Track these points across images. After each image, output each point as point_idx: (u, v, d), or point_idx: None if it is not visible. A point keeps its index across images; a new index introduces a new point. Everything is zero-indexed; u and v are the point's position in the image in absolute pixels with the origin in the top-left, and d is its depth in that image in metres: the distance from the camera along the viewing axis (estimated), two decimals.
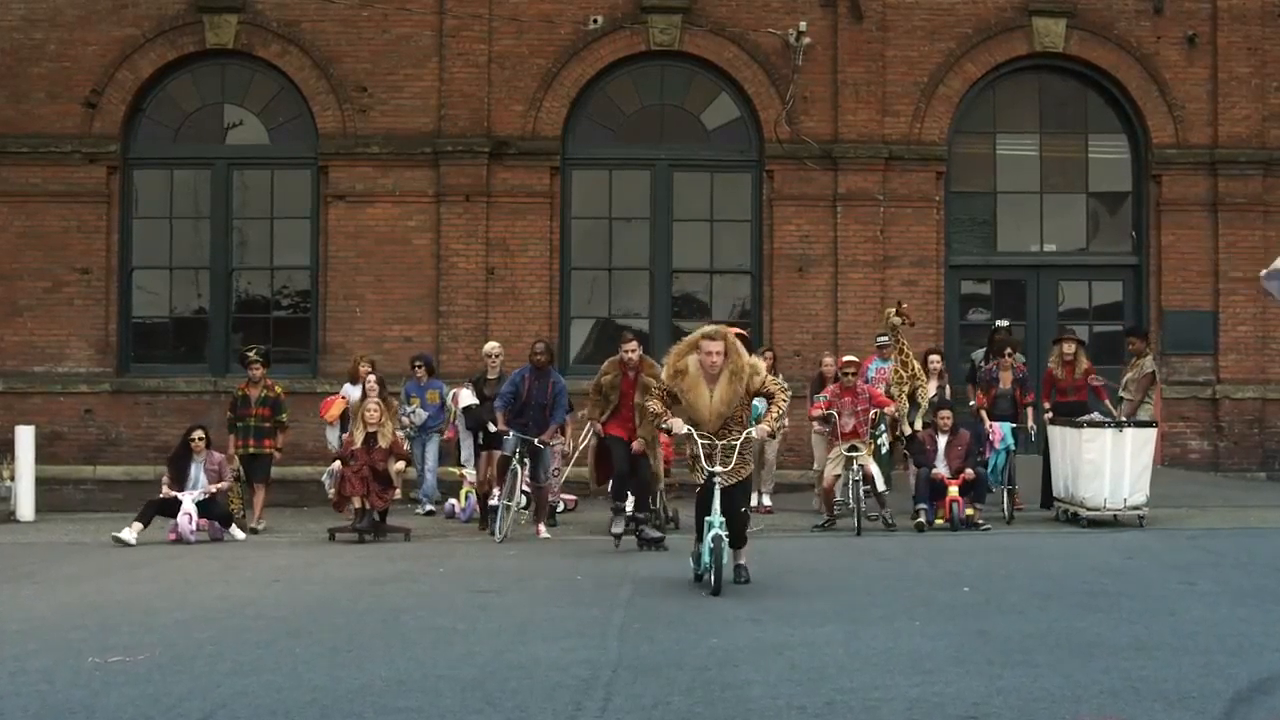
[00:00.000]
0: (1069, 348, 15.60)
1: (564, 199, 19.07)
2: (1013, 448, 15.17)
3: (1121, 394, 15.85)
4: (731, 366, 9.90)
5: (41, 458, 17.46)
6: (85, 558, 12.90)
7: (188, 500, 14.10)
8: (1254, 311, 18.97)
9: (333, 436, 15.57)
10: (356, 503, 13.90)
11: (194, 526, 13.94)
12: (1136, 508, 14.18)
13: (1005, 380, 15.57)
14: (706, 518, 9.83)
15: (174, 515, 14.04)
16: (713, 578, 9.66)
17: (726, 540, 9.75)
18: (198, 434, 14.53)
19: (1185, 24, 19.10)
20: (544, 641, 8.04)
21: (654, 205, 19.15)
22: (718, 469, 9.91)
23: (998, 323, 16.19)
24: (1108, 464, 14.10)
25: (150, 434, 18.66)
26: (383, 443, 14.06)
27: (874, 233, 18.85)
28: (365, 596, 10.08)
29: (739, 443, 10.01)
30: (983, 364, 16.13)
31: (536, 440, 13.66)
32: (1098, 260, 19.60)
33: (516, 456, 13.59)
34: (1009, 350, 15.79)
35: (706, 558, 9.82)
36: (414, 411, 16.06)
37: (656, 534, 12.79)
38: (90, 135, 18.88)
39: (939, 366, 16.11)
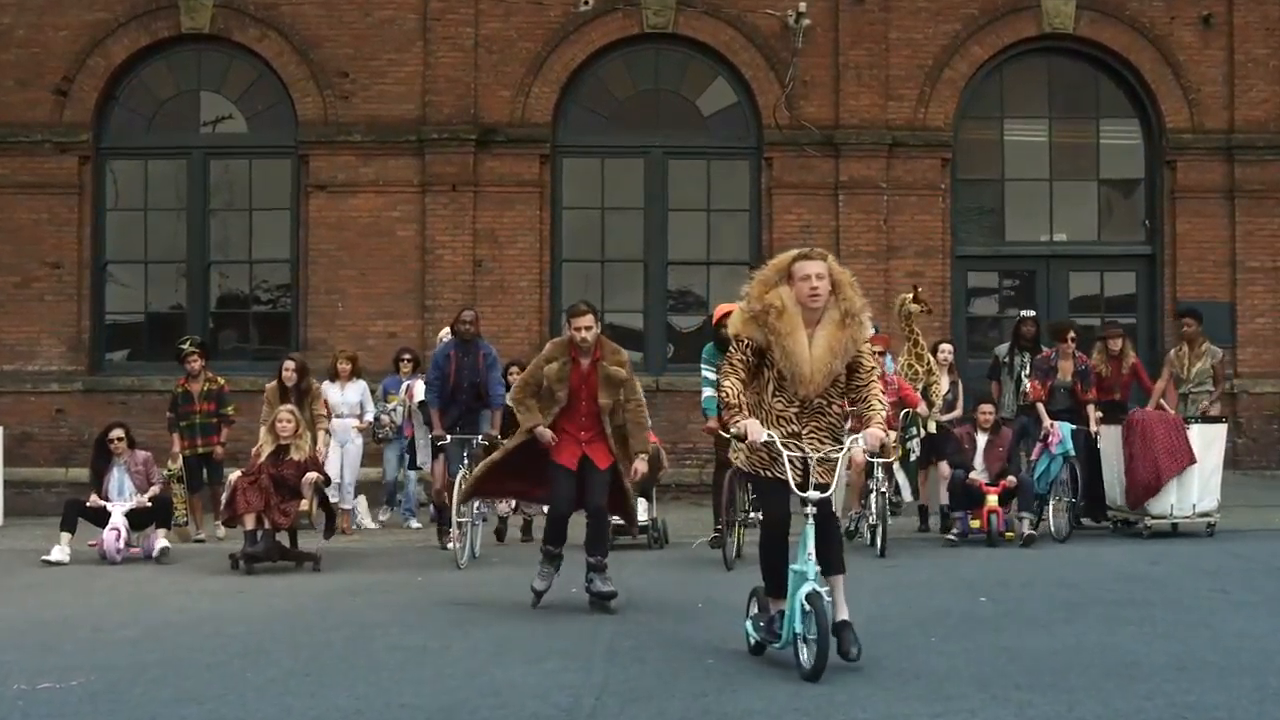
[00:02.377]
0: (1116, 344, 14.13)
1: (554, 188, 18.31)
2: (1072, 453, 13.07)
3: (1191, 389, 14.45)
4: (846, 305, 6.96)
5: (11, 460, 16.88)
6: (45, 566, 12.11)
7: (117, 513, 12.38)
8: (1273, 303, 18.23)
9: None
10: (249, 523, 11.37)
11: (121, 544, 12.17)
12: (1206, 514, 12.81)
13: (1065, 371, 13.56)
14: (793, 567, 6.91)
15: (102, 525, 12.34)
16: (810, 654, 6.65)
17: (830, 601, 6.76)
18: (116, 433, 12.86)
19: (1200, 4, 18.34)
20: (523, 663, 7.31)
21: (648, 194, 18.40)
22: (814, 494, 6.85)
23: (1022, 313, 14.70)
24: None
25: None
26: (296, 455, 11.83)
27: (877, 222, 18.11)
28: (335, 610, 9.35)
29: (845, 449, 7.00)
30: (1007, 359, 14.48)
31: (477, 440, 11.95)
32: (1110, 250, 18.84)
33: (464, 464, 11.72)
34: (1072, 335, 13.75)
35: (797, 622, 6.76)
36: (393, 409, 14.75)
37: (609, 588, 9.11)
38: (61, 124, 18.11)
39: (950, 359, 14.63)
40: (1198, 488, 12.81)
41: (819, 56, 18.18)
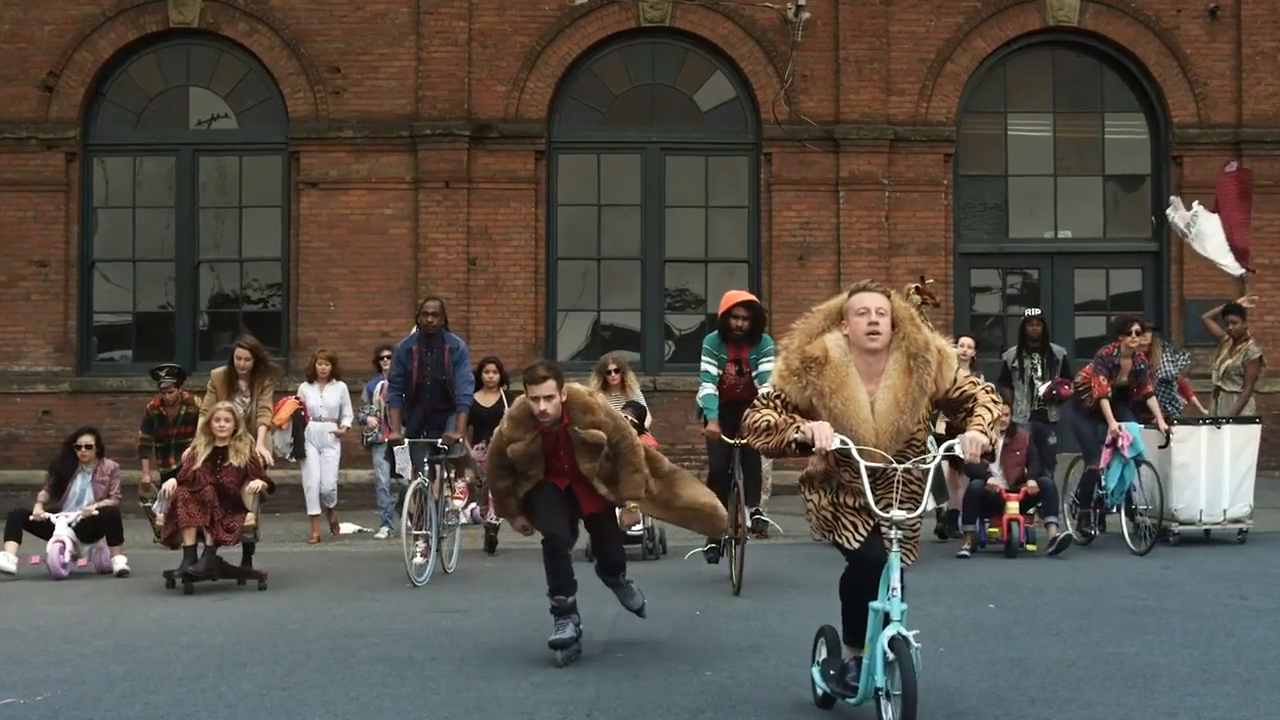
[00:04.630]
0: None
1: (549, 185, 17.95)
2: (1145, 455, 11.96)
3: (1218, 384, 14.04)
4: (908, 344, 5.77)
5: None
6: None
7: (61, 524, 11.37)
8: None
9: (281, 442, 13.60)
10: (189, 538, 10.37)
11: (66, 558, 11.23)
12: (1238, 520, 12.12)
13: (1125, 369, 12.27)
14: (873, 604, 5.69)
15: (46, 538, 11.37)
16: (895, 713, 5.48)
17: (916, 647, 5.52)
18: (85, 439, 11.91)
19: None
20: (511, 676, 6.97)
21: (645, 191, 18.03)
22: (898, 514, 5.65)
23: (1028, 311, 13.99)
24: (1203, 469, 12.06)
25: (112, 436, 17.21)
26: (235, 460, 10.65)
27: (878, 219, 17.76)
28: (319, 618, 8.99)
29: (933, 465, 5.84)
30: (1015, 363, 13.14)
31: (439, 442, 10.91)
32: (1115, 247, 18.48)
33: (425, 471, 10.70)
34: (1136, 328, 12.34)
35: (878, 674, 5.55)
36: (376, 410, 13.89)
37: (641, 599, 8.13)
38: (47, 120, 17.76)
39: (971, 354, 12.99)
40: (1229, 491, 12.15)
41: (819, 50, 17.84)
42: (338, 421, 14.22)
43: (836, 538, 5.86)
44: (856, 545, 5.78)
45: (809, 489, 6.01)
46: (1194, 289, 17.85)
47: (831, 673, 6.01)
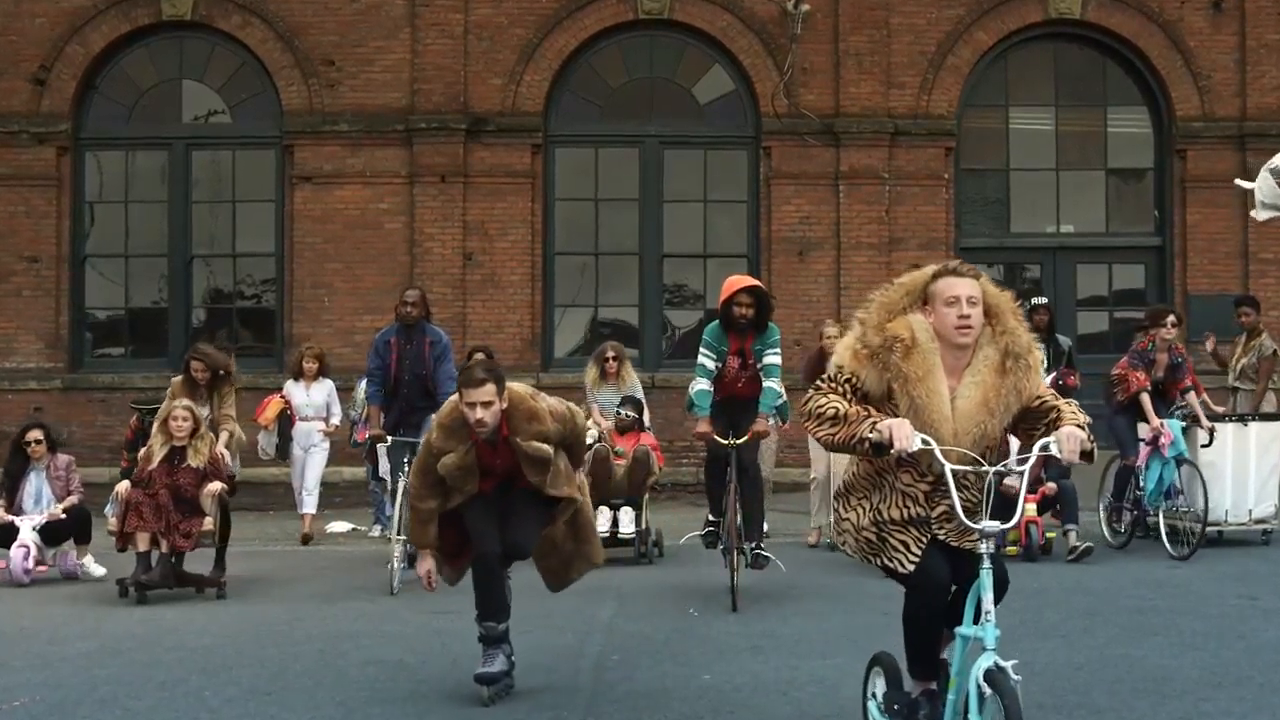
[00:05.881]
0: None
1: (546, 179, 17.76)
2: (1186, 454, 11.43)
3: (1234, 383, 13.51)
4: (1009, 341, 5.02)
5: None
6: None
7: (26, 528, 10.80)
8: None
9: (266, 442, 13.39)
10: (142, 544, 9.75)
11: (30, 564, 10.65)
12: (1262, 520, 11.65)
13: (1161, 363, 11.78)
14: (960, 631, 4.85)
15: (7, 544, 10.76)
16: None
17: (1016, 680, 4.61)
18: (34, 434, 11.25)
19: None
20: None
21: (643, 185, 17.83)
22: (991, 524, 4.79)
23: (1034, 301, 13.64)
24: (1228, 467, 11.50)
25: (105, 434, 17.32)
26: (194, 461, 10.03)
27: (879, 213, 17.56)
28: (308, 620, 8.80)
29: (1029, 459, 4.98)
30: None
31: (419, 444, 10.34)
32: (1118, 241, 18.30)
33: (404, 472, 9.78)
34: (1172, 319, 11.78)
35: (974, 715, 4.64)
36: (361, 408, 13.42)
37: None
38: (38, 114, 17.55)
39: None
40: (1254, 491, 11.70)
41: (819, 43, 17.63)
42: (325, 420, 13.88)
43: (886, 561, 5.00)
44: (911, 567, 4.92)
45: (844, 506, 5.17)
46: (1198, 284, 17.68)
47: (896, 708, 5.14)
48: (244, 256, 18.02)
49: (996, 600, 4.69)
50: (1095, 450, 4.85)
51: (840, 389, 4.95)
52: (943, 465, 4.78)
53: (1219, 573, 10.13)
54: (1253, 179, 17.37)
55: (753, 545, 9.38)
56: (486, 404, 6.28)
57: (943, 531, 4.95)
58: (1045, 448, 4.86)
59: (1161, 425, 11.39)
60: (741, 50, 17.65)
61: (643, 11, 17.61)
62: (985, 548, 4.73)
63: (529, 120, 17.50)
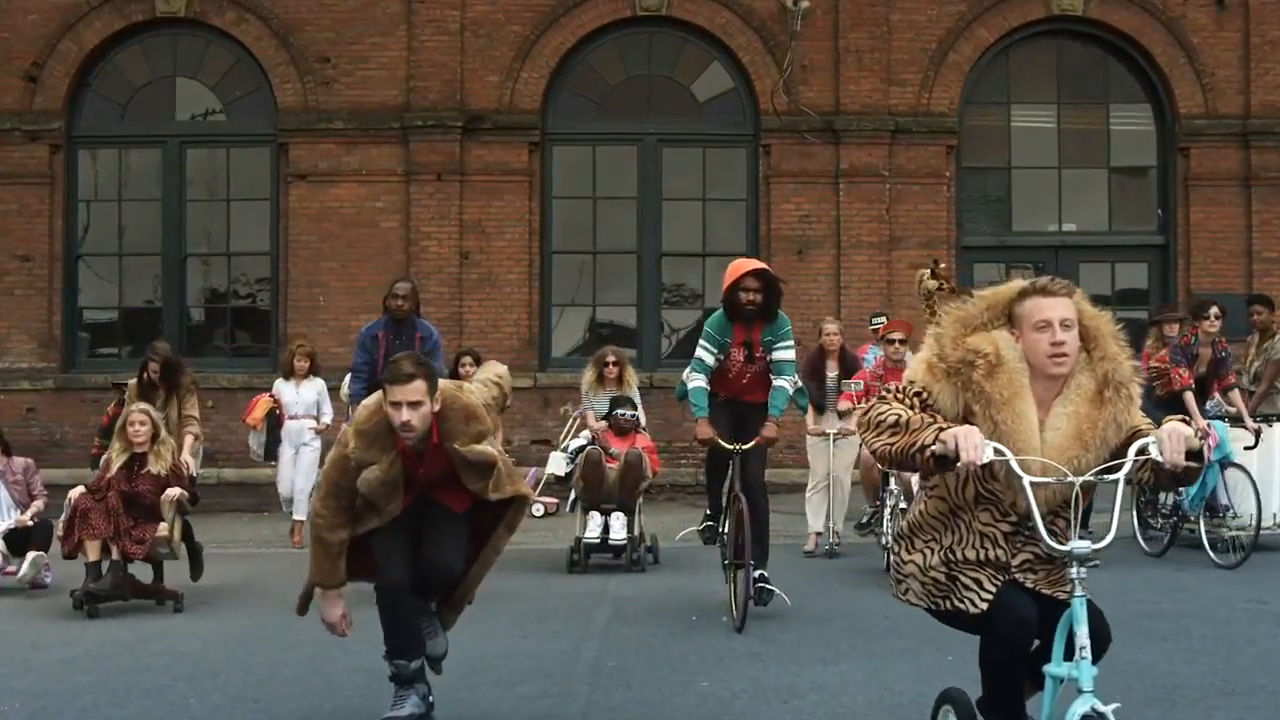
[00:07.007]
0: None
1: (544, 177, 17.60)
2: (1231, 457, 10.80)
3: (1250, 385, 12.84)
4: (1110, 368, 4.42)
5: None
6: None
7: None
8: None
9: (255, 443, 13.23)
10: (92, 553, 9.13)
11: None
12: None
13: (1205, 358, 11.12)
14: (1050, 670, 4.36)
15: None
16: None
17: None
18: None
19: None
20: (495, 686, 6.63)
21: (641, 184, 17.67)
22: (1080, 544, 4.23)
23: None
24: (1254, 470, 10.80)
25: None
26: (155, 467, 9.44)
27: (879, 211, 17.41)
28: (298, 625, 8.56)
29: (1128, 463, 4.28)
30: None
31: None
32: (1121, 240, 18.15)
33: None
34: (1215, 311, 11.11)
35: None
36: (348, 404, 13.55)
37: (444, 646, 6.30)
38: (31, 112, 17.40)
39: None
40: (1277, 494, 11.18)
41: (818, 40, 17.48)
42: (316, 419, 13.60)
43: (956, 602, 4.40)
44: (984, 606, 4.35)
45: (907, 548, 4.57)
46: (1201, 283, 17.50)
47: None
48: (238, 255, 17.88)
49: (1094, 658, 4.16)
50: (1205, 451, 4.26)
51: (908, 401, 4.35)
52: (1020, 478, 4.17)
53: (1227, 576, 9.96)
54: (1255, 178, 17.30)
55: (756, 575, 8.41)
56: (415, 404, 5.40)
57: (1029, 581, 4.42)
58: (1143, 450, 4.21)
59: (1208, 426, 10.58)
60: (741, 47, 17.50)
61: (641, 8, 17.47)
62: (1075, 573, 4.17)
63: (526, 118, 17.34)
